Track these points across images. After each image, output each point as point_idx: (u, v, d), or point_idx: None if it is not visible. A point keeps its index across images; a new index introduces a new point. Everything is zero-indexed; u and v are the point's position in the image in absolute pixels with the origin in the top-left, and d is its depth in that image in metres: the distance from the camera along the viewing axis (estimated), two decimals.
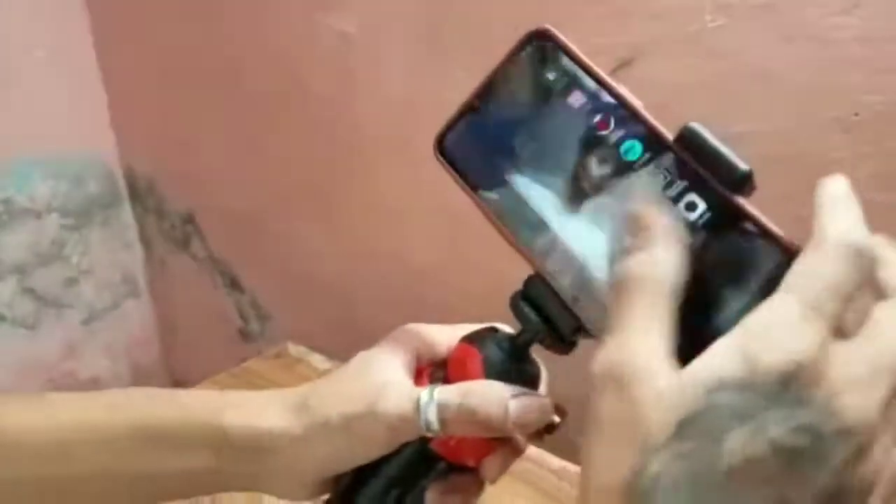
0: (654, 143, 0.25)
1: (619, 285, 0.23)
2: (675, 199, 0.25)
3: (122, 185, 1.34)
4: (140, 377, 1.38)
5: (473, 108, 0.30)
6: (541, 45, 0.28)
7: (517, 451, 0.35)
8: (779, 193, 0.55)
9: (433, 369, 0.35)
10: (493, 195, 0.30)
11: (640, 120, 0.26)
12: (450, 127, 0.31)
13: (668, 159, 0.25)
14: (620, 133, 0.26)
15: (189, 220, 1.23)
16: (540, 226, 0.28)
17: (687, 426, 0.20)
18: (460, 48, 0.71)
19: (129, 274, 1.38)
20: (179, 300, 1.36)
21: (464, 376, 0.32)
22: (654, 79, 0.58)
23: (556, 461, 0.67)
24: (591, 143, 0.27)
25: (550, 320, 0.30)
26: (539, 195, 0.28)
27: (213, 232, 1.21)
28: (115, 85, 1.27)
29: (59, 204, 1.25)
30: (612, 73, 0.60)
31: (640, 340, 0.21)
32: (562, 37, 0.27)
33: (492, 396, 0.31)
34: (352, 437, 0.32)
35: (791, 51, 0.52)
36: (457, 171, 0.31)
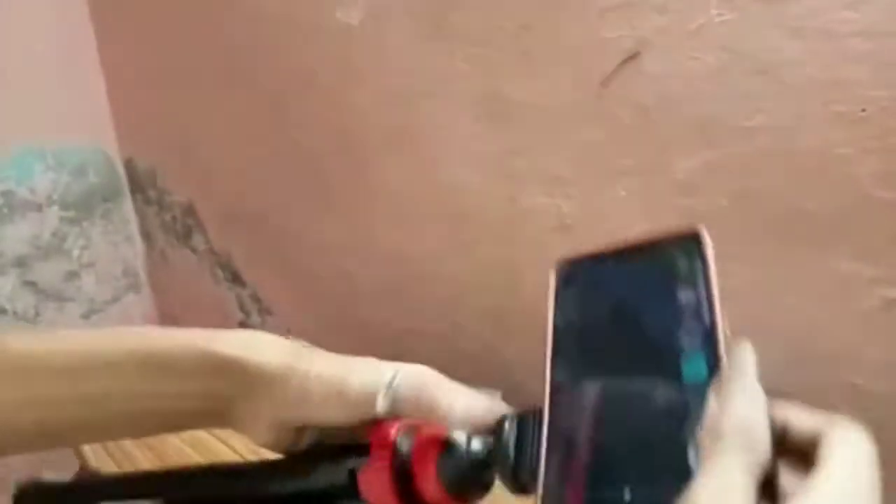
0: (714, 375, 0.26)
1: (720, 437, 0.24)
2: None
3: (122, 177, 1.34)
4: None
5: (602, 258, 0.32)
6: (688, 243, 0.29)
7: None
8: (782, 187, 0.55)
9: (410, 426, 0.35)
10: (566, 324, 0.31)
11: (717, 355, 0.26)
12: (579, 261, 0.33)
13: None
14: (693, 353, 0.27)
15: (190, 212, 1.23)
16: (579, 377, 0.30)
17: None
18: (463, 40, 0.70)
19: (130, 267, 1.38)
20: (180, 294, 1.36)
21: (423, 461, 0.33)
22: (661, 73, 0.58)
23: None
24: (666, 345, 0.27)
25: (519, 457, 0.31)
26: (601, 354, 0.30)
27: (213, 225, 1.21)
28: (115, 77, 1.27)
29: (59, 196, 1.25)
30: (619, 67, 0.60)
31: (741, 497, 0.23)
32: (709, 246, 0.28)
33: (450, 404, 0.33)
34: (323, 394, 0.35)
35: (797, 45, 0.51)
36: (556, 293, 0.33)
